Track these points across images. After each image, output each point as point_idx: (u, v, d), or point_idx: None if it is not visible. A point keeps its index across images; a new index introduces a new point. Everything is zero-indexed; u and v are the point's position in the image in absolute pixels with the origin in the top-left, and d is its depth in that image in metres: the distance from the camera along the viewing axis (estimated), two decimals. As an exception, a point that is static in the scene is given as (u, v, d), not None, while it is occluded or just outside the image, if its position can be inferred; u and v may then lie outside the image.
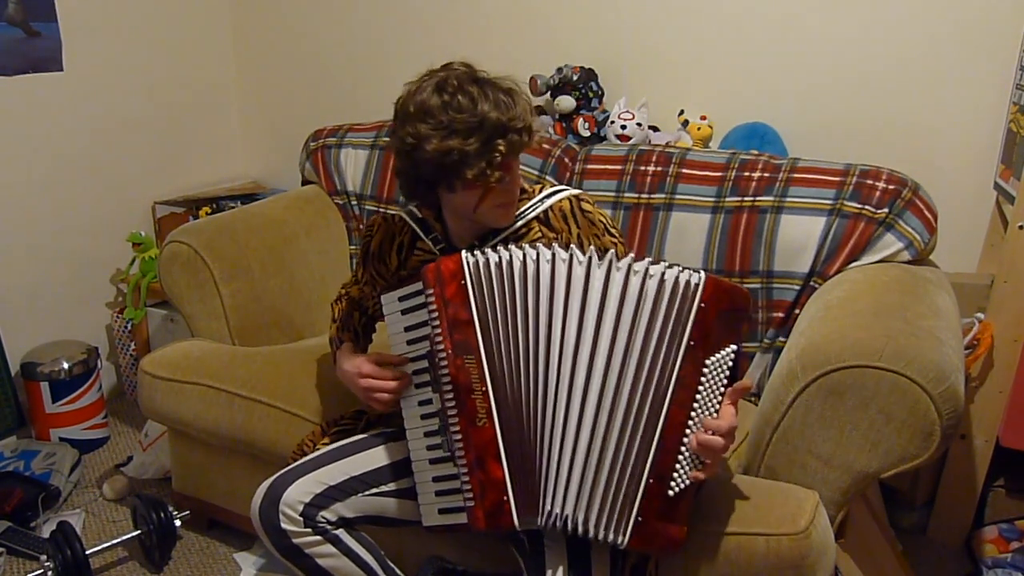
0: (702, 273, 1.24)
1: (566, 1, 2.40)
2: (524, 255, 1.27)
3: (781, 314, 1.78)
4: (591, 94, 2.31)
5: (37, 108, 2.44)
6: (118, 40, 2.63)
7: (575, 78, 2.30)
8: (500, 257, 1.27)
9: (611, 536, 1.24)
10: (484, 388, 1.24)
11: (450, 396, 1.25)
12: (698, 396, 1.22)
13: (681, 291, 1.23)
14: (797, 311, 1.75)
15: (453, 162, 1.27)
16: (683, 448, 1.22)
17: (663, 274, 1.24)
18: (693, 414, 1.22)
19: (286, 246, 2.13)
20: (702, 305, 1.22)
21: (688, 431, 1.22)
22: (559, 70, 2.33)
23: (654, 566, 1.35)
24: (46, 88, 2.45)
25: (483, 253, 1.28)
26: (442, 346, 1.25)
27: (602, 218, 1.49)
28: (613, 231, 1.49)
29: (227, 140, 3.08)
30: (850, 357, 1.32)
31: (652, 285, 1.24)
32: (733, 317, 1.24)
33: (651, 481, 1.22)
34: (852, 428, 1.33)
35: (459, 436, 1.25)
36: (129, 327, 2.65)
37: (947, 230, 1.98)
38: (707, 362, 1.22)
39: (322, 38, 2.84)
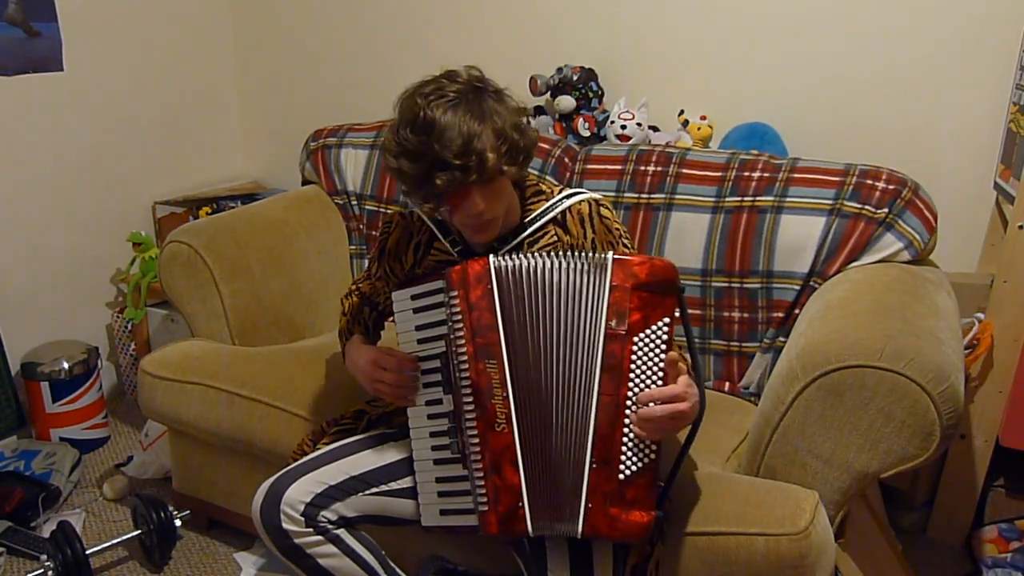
0: (609, 254, 1.24)
1: (566, 1, 2.40)
2: (543, 263, 1.26)
3: (781, 314, 1.79)
4: (591, 94, 2.31)
5: (37, 108, 2.44)
6: (118, 40, 2.63)
7: (575, 78, 2.30)
8: (523, 263, 1.26)
9: (567, 527, 1.23)
10: (504, 393, 1.24)
11: (469, 400, 1.25)
12: (632, 376, 1.21)
13: (595, 274, 1.23)
14: (797, 311, 1.76)
15: (402, 182, 1.28)
16: (627, 430, 1.21)
17: (576, 265, 1.24)
18: (630, 394, 1.21)
19: (286, 246, 2.13)
20: (614, 284, 1.22)
21: (628, 412, 1.21)
22: (559, 70, 2.33)
23: (654, 566, 1.35)
24: (46, 88, 2.45)
25: (507, 258, 1.27)
26: (464, 349, 1.25)
27: (619, 227, 1.47)
28: (627, 241, 1.47)
29: (227, 140, 3.08)
30: (850, 357, 1.32)
31: (585, 279, 1.25)
32: (655, 289, 1.22)
33: (594, 465, 1.22)
34: (852, 428, 1.33)
35: (476, 440, 1.24)
36: (129, 327, 2.65)
37: (947, 230, 1.98)
38: (635, 339, 1.21)
39: (322, 38, 2.84)
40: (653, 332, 1.22)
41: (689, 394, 1.22)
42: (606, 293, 1.22)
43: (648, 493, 1.22)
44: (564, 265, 1.26)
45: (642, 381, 1.22)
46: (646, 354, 1.22)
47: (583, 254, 1.25)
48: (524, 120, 1.35)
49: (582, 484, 1.22)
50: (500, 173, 1.27)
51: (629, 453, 1.22)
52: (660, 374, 1.22)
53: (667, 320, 1.22)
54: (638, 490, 1.22)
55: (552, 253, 1.28)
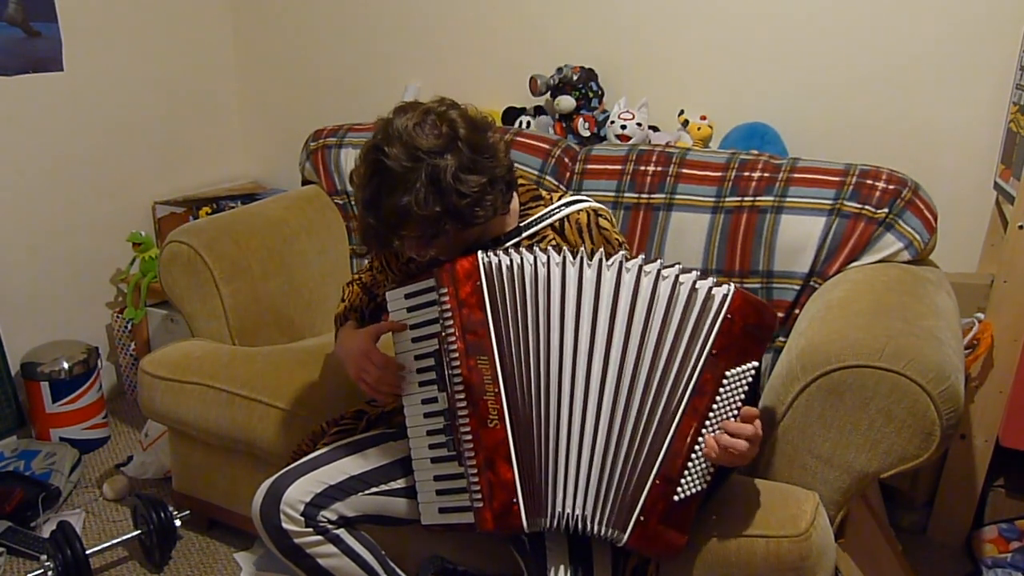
0: (732, 285, 1.23)
1: (566, 1, 2.40)
2: (535, 259, 1.27)
3: (781, 314, 1.78)
4: (591, 94, 2.31)
5: (37, 108, 2.44)
6: (118, 40, 2.63)
7: (575, 78, 2.30)
8: (513, 260, 1.27)
9: (611, 532, 1.24)
10: (496, 389, 1.24)
11: (461, 397, 1.25)
12: (714, 406, 1.22)
13: (703, 297, 1.22)
14: (797, 311, 1.76)
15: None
16: (694, 456, 1.22)
17: (677, 277, 1.23)
18: (707, 423, 1.22)
19: (286, 246, 2.13)
20: (728, 316, 1.21)
21: (701, 439, 1.21)
22: (559, 70, 2.33)
23: (654, 568, 1.35)
24: (46, 88, 2.45)
25: (496, 255, 1.27)
26: (455, 346, 1.25)
27: (617, 237, 1.47)
28: (626, 253, 1.46)
29: (227, 140, 3.08)
30: (850, 357, 1.32)
31: (665, 287, 1.23)
32: (758, 333, 1.23)
33: (657, 482, 1.22)
34: (852, 428, 1.33)
35: (469, 437, 1.25)
36: (129, 327, 2.65)
37: (947, 230, 1.98)
38: (727, 373, 1.21)
39: (322, 39, 2.84)
40: (743, 371, 1.22)
41: (760, 439, 1.23)
42: (718, 320, 1.21)
43: (689, 517, 1.24)
44: (569, 259, 1.26)
45: (721, 414, 1.22)
46: (731, 390, 1.22)
47: (684, 269, 1.25)
48: (488, 190, 1.27)
49: (640, 497, 1.22)
50: (426, 248, 1.28)
51: (691, 478, 1.22)
52: (736, 412, 1.23)
53: (756, 364, 1.23)
54: (684, 512, 1.23)
55: (550, 248, 1.28)
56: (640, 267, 1.24)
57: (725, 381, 1.21)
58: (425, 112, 1.26)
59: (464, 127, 1.26)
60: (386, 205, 1.23)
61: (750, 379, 1.23)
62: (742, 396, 1.23)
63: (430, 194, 1.21)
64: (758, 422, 1.23)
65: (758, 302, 1.24)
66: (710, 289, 1.22)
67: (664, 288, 1.23)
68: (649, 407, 1.23)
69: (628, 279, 1.24)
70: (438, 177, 1.21)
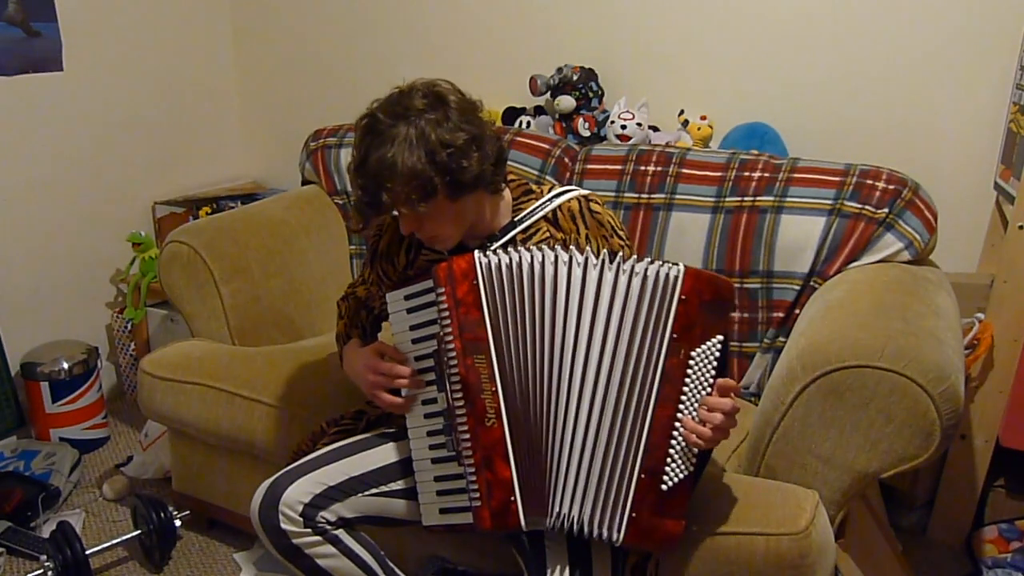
0: (681, 265, 1.25)
1: (566, 1, 2.40)
2: (532, 257, 1.27)
3: (781, 314, 1.79)
4: (591, 94, 2.32)
5: (37, 108, 2.44)
6: (118, 40, 2.63)
7: (575, 78, 2.30)
8: (511, 258, 1.27)
9: (606, 533, 1.24)
10: (493, 388, 1.24)
11: (459, 396, 1.25)
12: (685, 389, 1.23)
13: (661, 285, 1.24)
14: (797, 311, 1.76)
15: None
16: (673, 442, 1.23)
17: (646, 270, 1.25)
18: (682, 407, 1.23)
19: (286, 246, 2.13)
20: (683, 297, 1.23)
21: (678, 424, 1.23)
22: (559, 70, 2.33)
23: (654, 566, 1.35)
24: (46, 88, 2.45)
25: (494, 253, 1.28)
26: (452, 346, 1.25)
27: (610, 219, 1.49)
28: (621, 233, 1.49)
29: (227, 140, 3.08)
30: (850, 357, 1.32)
31: (636, 283, 1.25)
32: (717, 307, 1.24)
33: (643, 476, 1.23)
34: (852, 428, 1.33)
35: (467, 436, 1.25)
36: (129, 327, 2.65)
37: (947, 230, 1.98)
38: (692, 354, 1.23)
39: (322, 38, 2.84)
40: (709, 348, 1.23)
41: (738, 411, 1.24)
42: (673, 303, 1.23)
43: (682, 503, 1.24)
44: (561, 258, 1.26)
45: (694, 396, 1.23)
46: (700, 370, 1.23)
47: (650, 261, 1.26)
48: (474, 147, 1.29)
49: (628, 493, 1.23)
50: (415, 207, 1.27)
51: (675, 465, 1.23)
52: (709, 390, 1.24)
53: (721, 338, 1.24)
54: (675, 500, 1.23)
55: (546, 246, 1.29)
56: (619, 265, 1.26)
57: (691, 362, 1.23)
58: (414, 84, 1.32)
59: (452, 94, 1.31)
60: (372, 159, 1.25)
61: (717, 354, 1.24)
62: (712, 373, 1.24)
63: (414, 145, 1.23)
64: (734, 395, 1.24)
65: (712, 277, 1.25)
66: (666, 275, 1.24)
67: (623, 281, 1.25)
68: (624, 402, 1.24)
69: (609, 277, 1.26)
70: (423, 130, 1.25)
